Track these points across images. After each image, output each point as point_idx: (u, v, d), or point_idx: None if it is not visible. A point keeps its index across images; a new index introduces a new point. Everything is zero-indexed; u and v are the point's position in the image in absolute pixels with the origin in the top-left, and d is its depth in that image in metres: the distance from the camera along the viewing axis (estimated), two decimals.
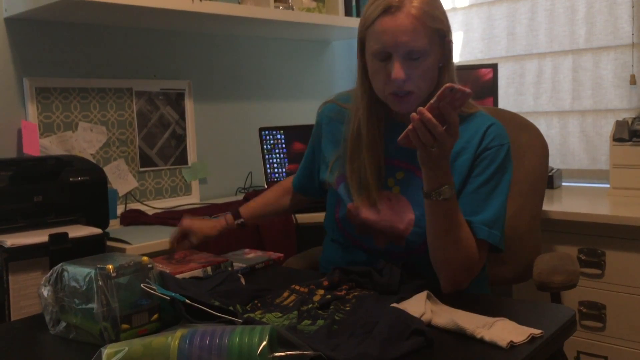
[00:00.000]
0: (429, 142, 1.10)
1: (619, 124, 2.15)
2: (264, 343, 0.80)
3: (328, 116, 1.49)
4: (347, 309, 1.10)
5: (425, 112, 1.08)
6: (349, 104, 1.42)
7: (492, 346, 0.93)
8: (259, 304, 1.15)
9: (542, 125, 2.57)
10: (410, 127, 1.10)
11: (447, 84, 1.07)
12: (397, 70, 1.24)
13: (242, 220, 1.61)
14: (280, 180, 2.48)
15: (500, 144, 1.31)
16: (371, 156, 1.34)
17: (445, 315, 1.02)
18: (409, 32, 1.23)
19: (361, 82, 1.36)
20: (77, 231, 1.62)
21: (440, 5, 1.30)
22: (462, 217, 1.22)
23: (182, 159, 2.47)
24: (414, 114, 1.09)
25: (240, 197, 2.41)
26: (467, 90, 1.07)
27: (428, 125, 1.08)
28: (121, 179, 2.28)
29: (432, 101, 1.08)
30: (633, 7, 2.35)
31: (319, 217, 1.73)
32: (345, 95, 1.49)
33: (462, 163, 1.29)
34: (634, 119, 2.17)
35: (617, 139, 2.13)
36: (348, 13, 2.68)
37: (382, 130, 1.36)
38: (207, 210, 2.14)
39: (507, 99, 2.70)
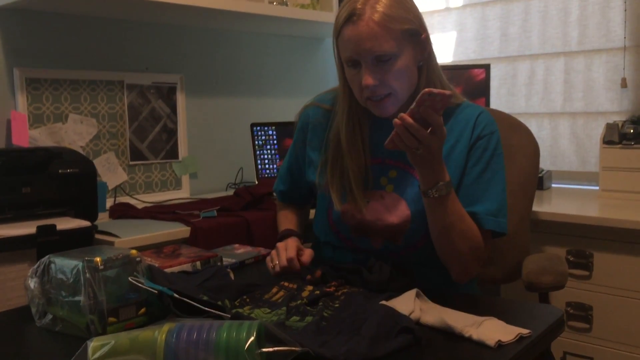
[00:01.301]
0: (413, 146, 1.12)
1: (609, 127, 2.16)
2: (252, 339, 0.80)
3: (313, 121, 1.46)
4: (336, 305, 1.10)
5: (407, 118, 1.09)
6: (333, 106, 1.41)
7: (480, 345, 0.93)
8: (248, 300, 1.14)
9: (533, 126, 2.58)
10: (394, 132, 1.12)
11: (425, 89, 1.07)
12: (366, 77, 1.25)
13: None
14: (271, 176, 2.47)
15: (491, 132, 1.33)
16: (352, 161, 1.33)
17: (434, 314, 1.02)
18: (371, 38, 1.22)
19: (342, 84, 1.36)
20: (65, 223, 1.61)
21: (408, 5, 1.28)
22: (463, 209, 1.24)
23: (173, 153, 2.46)
24: (396, 120, 1.10)
25: (230, 192, 2.40)
26: (447, 92, 1.08)
27: (411, 130, 1.10)
28: (111, 172, 2.27)
29: (412, 107, 1.10)
30: (625, 10, 2.36)
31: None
32: (325, 95, 1.49)
33: (458, 155, 1.31)
34: (624, 122, 2.18)
35: (607, 141, 2.14)
36: None
37: (365, 131, 1.36)
38: (197, 205, 2.14)
39: (499, 100, 2.71)
